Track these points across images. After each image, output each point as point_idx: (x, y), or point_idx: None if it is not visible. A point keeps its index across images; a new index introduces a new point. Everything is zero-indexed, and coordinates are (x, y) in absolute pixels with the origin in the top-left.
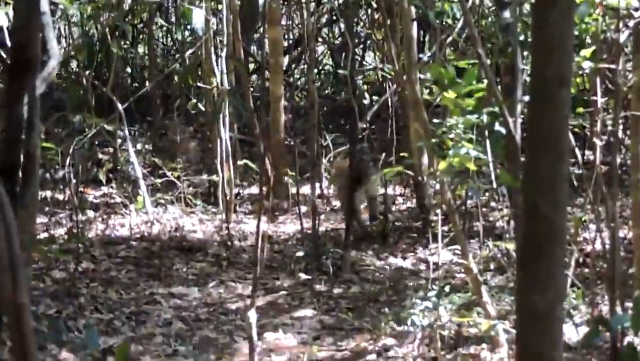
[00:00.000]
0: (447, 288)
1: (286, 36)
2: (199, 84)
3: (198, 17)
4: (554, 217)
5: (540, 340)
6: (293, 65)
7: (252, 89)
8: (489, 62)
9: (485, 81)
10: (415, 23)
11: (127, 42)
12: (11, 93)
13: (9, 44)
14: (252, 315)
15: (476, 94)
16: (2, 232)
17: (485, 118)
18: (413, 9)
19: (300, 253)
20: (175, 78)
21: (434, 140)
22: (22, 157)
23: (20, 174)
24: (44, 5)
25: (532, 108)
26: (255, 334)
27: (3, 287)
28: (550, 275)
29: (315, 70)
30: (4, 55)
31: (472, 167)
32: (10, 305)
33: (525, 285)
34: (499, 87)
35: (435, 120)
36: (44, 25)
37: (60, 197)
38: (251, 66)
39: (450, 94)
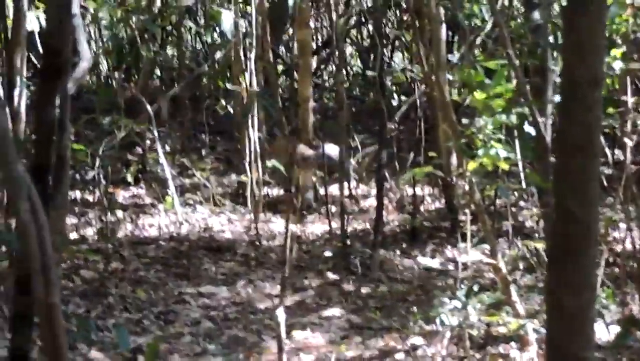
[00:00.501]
0: (475, 288)
1: (315, 37)
2: (228, 86)
3: (227, 19)
4: (585, 217)
5: (572, 341)
6: (322, 67)
7: (280, 90)
8: (517, 62)
9: (515, 82)
10: (443, 24)
11: (157, 45)
12: (42, 96)
13: (39, 46)
14: (281, 314)
15: (505, 95)
16: (35, 234)
17: (514, 118)
18: (442, 10)
19: (328, 253)
20: (204, 80)
21: (463, 141)
22: (53, 158)
23: (51, 175)
24: (75, 8)
25: (563, 110)
26: (284, 333)
27: (35, 288)
28: (582, 276)
29: (344, 72)
30: (34, 58)
31: (503, 166)
32: (42, 305)
33: (556, 286)
34: (528, 88)
35: (464, 121)
36: (75, 27)
37: (90, 197)
38: (280, 67)
39: (480, 95)
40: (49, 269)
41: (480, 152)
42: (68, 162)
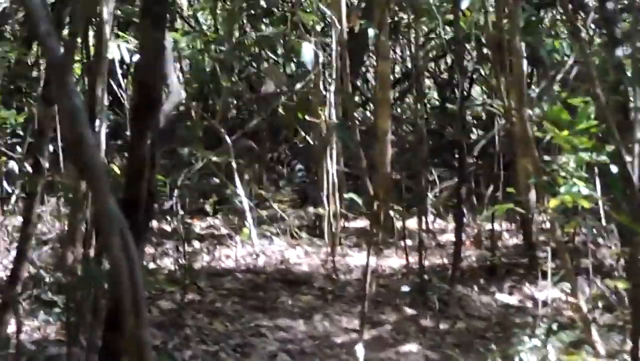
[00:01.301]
0: (555, 326)
1: (394, 69)
2: (307, 117)
3: (307, 50)
4: None
5: None
6: (401, 99)
7: (359, 123)
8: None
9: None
10: (524, 59)
11: (236, 76)
12: (135, 132)
13: (119, 75)
14: (360, 350)
15: (589, 132)
16: (127, 271)
17: (604, 157)
18: (523, 44)
19: (405, 288)
20: (281, 110)
21: (544, 177)
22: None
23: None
24: (166, 42)
25: None
26: None
27: (126, 325)
28: None
29: (423, 105)
30: (115, 87)
31: (585, 204)
32: (133, 343)
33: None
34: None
35: (545, 157)
36: (165, 61)
37: (168, 227)
38: (358, 99)
39: (563, 132)
40: (140, 307)
41: (562, 189)
42: (157, 197)
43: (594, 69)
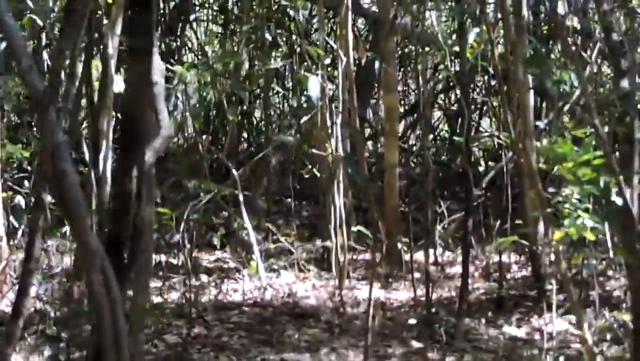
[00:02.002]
0: (562, 359)
1: (402, 102)
2: (313, 150)
3: (314, 83)
4: None
5: None
6: (409, 131)
7: (367, 155)
8: (606, 130)
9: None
10: (531, 90)
11: (244, 108)
12: (120, 167)
13: None
14: None
15: (594, 163)
16: (108, 307)
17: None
18: (530, 76)
19: (412, 321)
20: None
21: (549, 210)
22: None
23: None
24: (156, 75)
25: None
26: None
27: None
28: None
29: (431, 136)
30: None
31: (590, 236)
32: None
33: None
34: (617, 157)
35: (551, 189)
36: (156, 95)
37: (175, 261)
38: (367, 132)
39: (567, 164)
40: (121, 343)
41: (566, 221)
42: (150, 233)
43: (601, 100)
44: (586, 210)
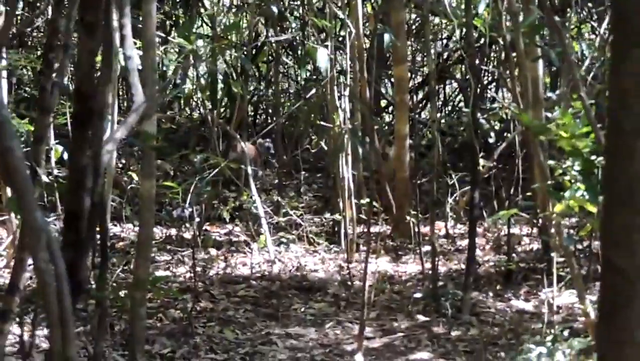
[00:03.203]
0: (566, 333)
1: (415, 74)
2: (322, 123)
3: (322, 56)
4: (630, 270)
5: None
6: (422, 104)
7: (383, 127)
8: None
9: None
10: (540, 61)
11: (253, 81)
12: (74, 142)
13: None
14: (360, 359)
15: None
16: (53, 285)
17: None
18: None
19: (418, 295)
20: (300, 116)
21: (550, 182)
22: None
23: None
24: (129, 50)
25: (607, 159)
26: None
27: (52, 340)
28: (626, 331)
29: (446, 109)
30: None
31: (591, 208)
32: (60, 358)
33: (602, 341)
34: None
35: (550, 162)
36: (130, 70)
37: (186, 235)
38: (383, 104)
39: (566, 135)
40: (67, 321)
41: (567, 193)
42: (149, 206)
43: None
44: (584, 182)
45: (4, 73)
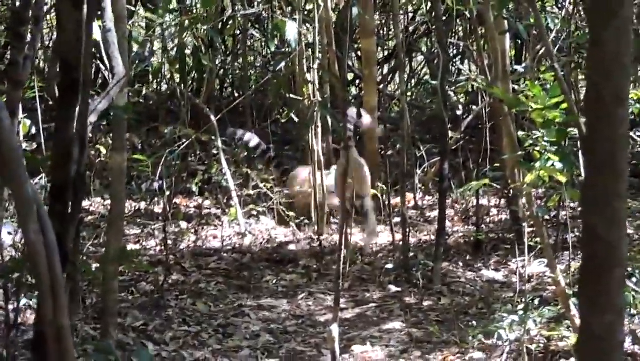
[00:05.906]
0: (536, 301)
1: (383, 47)
2: (291, 95)
3: (291, 28)
4: (611, 237)
5: None
6: (390, 76)
7: (351, 100)
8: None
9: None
10: (507, 34)
11: (221, 54)
12: (60, 113)
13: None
14: (335, 330)
15: (561, 106)
16: (44, 255)
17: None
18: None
19: (389, 265)
20: (269, 89)
21: (520, 153)
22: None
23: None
24: (109, 22)
25: (588, 128)
26: (337, 348)
27: (44, 309)
28: (606, 297)
29: (412, 81)
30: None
31: (561, 178)
32: (52, 327)
33: (584, 308)
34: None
35: (519, 133)
36: (109, 43)
37: (156, 208)
38: (349, 76)
39: (535, 107)
40: (58, 290)
41: (537, 164)
42: (121, 179)
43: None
44: (556, 153)
45: None
